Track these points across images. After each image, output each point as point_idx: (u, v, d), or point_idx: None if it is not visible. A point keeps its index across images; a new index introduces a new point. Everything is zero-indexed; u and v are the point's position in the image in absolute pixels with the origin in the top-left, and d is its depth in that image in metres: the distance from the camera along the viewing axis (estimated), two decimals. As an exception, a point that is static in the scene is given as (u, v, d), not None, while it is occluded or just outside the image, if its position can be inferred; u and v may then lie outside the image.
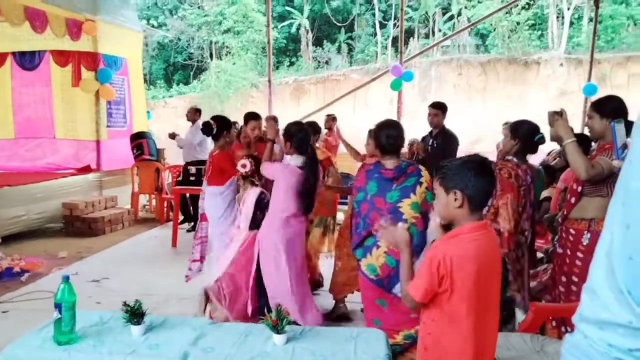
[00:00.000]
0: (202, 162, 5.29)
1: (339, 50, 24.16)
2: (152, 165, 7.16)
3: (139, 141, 7.21)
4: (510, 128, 2.96)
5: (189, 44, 24.48)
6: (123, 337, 2.16)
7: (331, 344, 2.14)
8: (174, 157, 8.02)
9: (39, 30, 6.66)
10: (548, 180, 4.34)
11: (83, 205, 6.31)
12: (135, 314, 2.20)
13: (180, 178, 6.20)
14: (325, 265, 4.03)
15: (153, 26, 22.81)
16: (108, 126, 7.45)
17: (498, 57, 20.39)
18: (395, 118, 9.51)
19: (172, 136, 6.59)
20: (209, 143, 4.93)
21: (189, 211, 6.42)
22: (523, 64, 19.85)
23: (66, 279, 2.09)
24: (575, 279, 2.59)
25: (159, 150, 7.49)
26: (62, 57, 7.30)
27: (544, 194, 4.32)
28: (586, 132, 5.84)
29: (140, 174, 7.27)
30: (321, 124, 5.18)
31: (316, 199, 3.25)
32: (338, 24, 23.62)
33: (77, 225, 6.22)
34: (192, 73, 25.01)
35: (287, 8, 24.33)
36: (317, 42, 24.35)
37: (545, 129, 2.94)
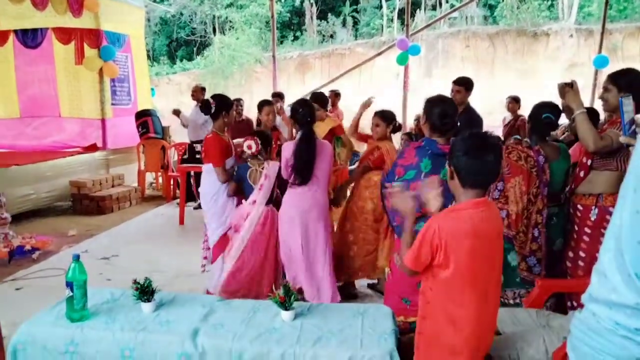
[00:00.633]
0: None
1: (343, 23, 23.72)
2: (158, 143, 7.16)
3: (144, 119, 7.20)
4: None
5: (191, 19, 24.14)
6: (134, 314, 2.21)
7: (338, 320, 2.17)
8: (179, 134, 8.01)
9: (40, 7, 6.56)
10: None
11: (91, 184, 6.36)
12: (145, 292, 2.24)
13: (185, 156, 6.21)
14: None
15: (155, 1, 22.42)
16: (113, 104, 7.43)
17: (507, 28, 19.94)
18: (401, 93, 9.43)
19: (176, 113, 6.57)
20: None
21: (192, 190, 6.43)
22: (532, 35, 19.41)
23: (77, 258, 2.13)
24: (582, 254, 2.60)
25: (164, 128, 7.48)
26: (64, 34, 7.23)
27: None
28: (595, 106, 5.75)
29: (146, 152, 7.29)
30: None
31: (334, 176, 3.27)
32: (343, -4, 23.18)
33: (86, 203, 6.28)
34: (195, 49, 24.74)
35: (291, -20, 23.84)
36: (322, 16, 23.91)
37: (556, 103, 2.90)
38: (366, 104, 3.86)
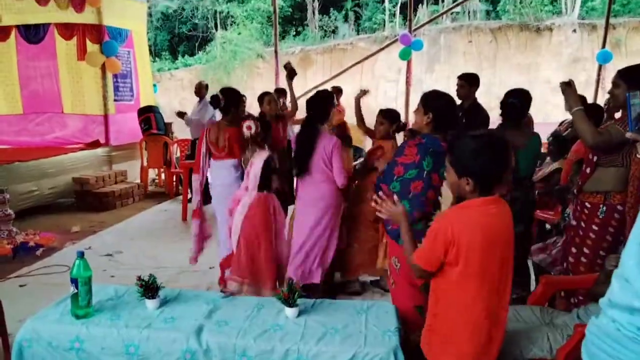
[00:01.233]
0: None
1: (345, 18, 23.62)
2: (161, 139, 7.16)
3: (147, 115, 7.20)
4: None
5: (193, 14, 24.06)
6: (138, 311, 2.22)
7: (342, 317, 2.17)
8: (182, 131, 8.01)
9: (42, 3, 6.57)
10: (559, 151, 4.29)
11: (94, 180, 6.37)
12: (149, 288, 2.24)
13: (189, 152, 6.21)
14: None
15: (156, -4, 22.40)
16: (115, 100, 7.42)
17: (509, 23, 19.83)
18: (403, 88, 9.40)
19: (181, 115, 6.55)
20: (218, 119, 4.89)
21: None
22: (535, 30, 19.31)
23: (81, 255, 2.13)
24: (586, 250, 2.59)
25: (166, 124, 7.48)
26: (66, 29, 7.22)
27: (555, 165, 4.27)
28: (599, 101, 5.68)
29: (149, 149, 7.29)
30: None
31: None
32: (345, -9, 23.06)
33: (89, 199, 6.28)
34: (197, 44, 24.68)
35: (292, -25, 23.73)
36: (324, 10, 23.80)
37: (525, 90, 3.13)
38: (359, 96, 3.86)
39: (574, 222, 2.70)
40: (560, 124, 5.47)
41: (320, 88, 6.43)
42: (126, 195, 6.58)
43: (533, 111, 5.73)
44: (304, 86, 8.81)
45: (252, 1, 22.50)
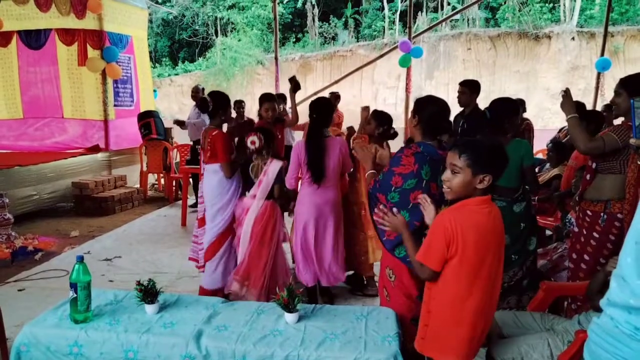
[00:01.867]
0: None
1: (345, 25, 23.77)
2: (160, 144, 7.17)
3: (147, 120, 7.20)
4: None
5: (193, 21, 24.20)
6: (137, 316, 2.21)
7: (342, 322, 2.17)
8: (182, 136, 8.03)
9: (44, 9, 6.61)
10: (558, 157, 4.30)
11: (93, 185, 6.37)
12: (148, 293, 2.23)
13: (189, 157, 6.21)
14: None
15: (157, 2, 22.48)
16: (115, 105, 7.44)
17: (508, 31, 19.97)
18: (403, 95, 9.44)
19: (179, 124, 6.55)
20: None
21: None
22: (534, 38, 19.44)
23: (80, 259, 2.13)
24: (586, 257, 2.60)
25: (166, 130, 7.49)
26: (67, 35, 7.25)
27: (554, 171, 4.28)
28: (598, 108, 5.72)
29: (149, 154, 7.30)
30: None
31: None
32: (344, -2, 23.20)
33: (88, 204, 6.28)
34: (197, 50, 24.79)
35: (293, -18, 23.88)
36: (324, 17, 23.95)
37: (509, 98, 3.10)
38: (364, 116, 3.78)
39: (576, 229, 2.71)
40: (560, 130, 5.49)
41: (320, 94, 6.47)
42: (126, 200, 6.58)
43: (532, 118, 5.77)
44: (304, 93, 8.82)
45: (253, 8, 22.64)
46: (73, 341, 2.04)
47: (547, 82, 18.90)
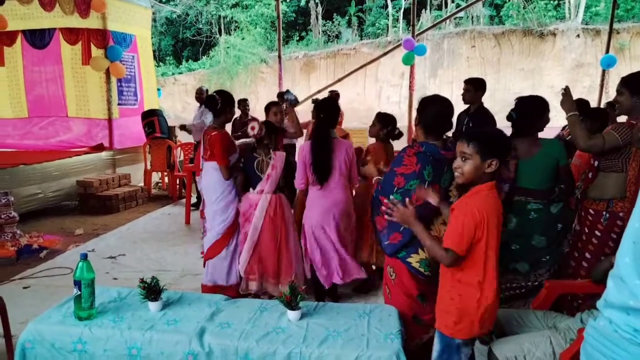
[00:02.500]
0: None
1: (349, 23, 23.70)
2: (164, 143, 7.19)
3: (151, 119, 7.22)
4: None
5: (197, 19, 24.21)
6: (141, 313, 2.22)
7: (345, 320, 2.17)
8: (185, 135, 8.05)
9: (48, 8, 6.63)
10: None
11: (97, 183, 6.40)
12: (152, 291, 2.25)
13: (193, 156, 6.23)
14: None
15: (161, 1, 22.53)
16: (119, 104, 7.47)
17: (513, 28, 19.86)
18: (406, 93, 9.41)
19: (184, 128, 6.55)
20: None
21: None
22: (538, 35, 19.33)
23: (84, 256, 2.14)
24: (588, 255, 2.60)
25: (170, 128, 7.51)
26: (71, 34, 7.28)
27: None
28: (603, 106, 5.68)
29: (152, 152, 7.32)
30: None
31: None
32: (348, -4, 23.15)
33: (92, 202, 6.31)
34: (201, 49, 24.80)
35: (296, -20, 23.84)
36: (327, 15, 23.91)
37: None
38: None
39: (577, 227, 2.70)
40: (563, 128, 5.46)
41: (323, 92, 6.48)
42: (130, 199, 6.61)
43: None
44: (307, 91, 8.83)
45: (256, 6, 22.63)
46: (77, 338, 2.06)
47: (551, 79, 18.79)
